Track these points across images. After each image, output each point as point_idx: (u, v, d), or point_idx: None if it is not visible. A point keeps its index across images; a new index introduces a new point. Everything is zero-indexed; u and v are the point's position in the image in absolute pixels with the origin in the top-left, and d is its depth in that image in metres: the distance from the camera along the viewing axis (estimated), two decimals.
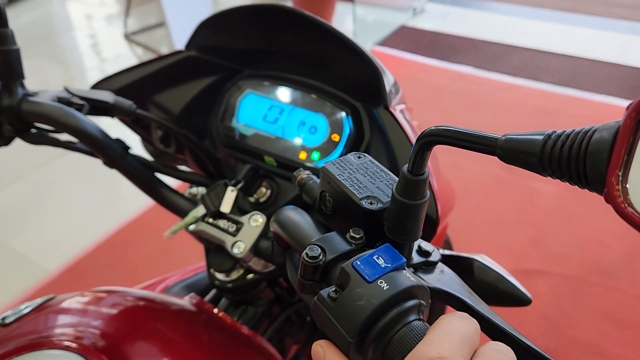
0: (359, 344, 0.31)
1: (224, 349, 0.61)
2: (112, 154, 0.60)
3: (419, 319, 0.32)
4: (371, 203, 0.37)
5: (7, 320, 0.60)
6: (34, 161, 2.54)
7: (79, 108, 0.61)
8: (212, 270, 0.65)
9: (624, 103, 2.85)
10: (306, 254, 0.36)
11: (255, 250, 0.59)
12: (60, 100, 0.62)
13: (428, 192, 0.34)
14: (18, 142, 0.65)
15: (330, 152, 0.60)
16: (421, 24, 3.84)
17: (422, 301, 0.33)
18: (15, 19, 4.11)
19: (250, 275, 0.64)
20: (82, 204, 2.37)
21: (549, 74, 3.20)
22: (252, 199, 0.64)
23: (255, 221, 0.60)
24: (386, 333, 0.31)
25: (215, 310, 0.66)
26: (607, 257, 1.95)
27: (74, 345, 0.54)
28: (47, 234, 2.19)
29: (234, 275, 0.64)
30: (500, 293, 0.57)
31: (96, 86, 0.71)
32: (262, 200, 0.64)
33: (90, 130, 0.58)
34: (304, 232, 0.40)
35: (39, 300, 0.64)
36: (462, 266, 0.57)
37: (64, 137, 0.63)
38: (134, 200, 2.27)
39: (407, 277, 0.32)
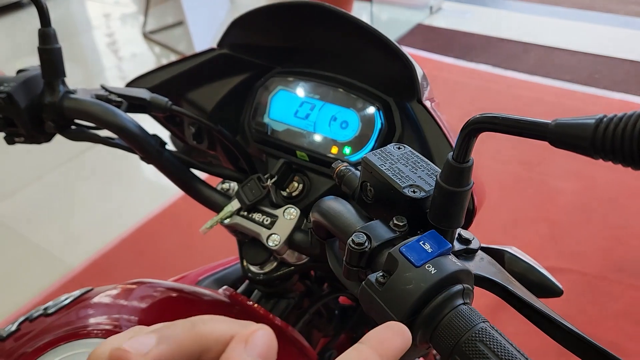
0: (407, 326, 0.33)
1: None
2: (150, 150, 0.62)
3: (465, 303, 0.33)
4: (414, 191, 0.39)
5: (50, 311, 0.62)
6: (54, 160, 2.58)
7: (118, 105, 0.63)
8: (245, 263, 0.66)
9: None
10: (352, 240, 0.37)
11: (290, 242, 0.60)
12: (99, 97, 0.64)
13: (472, 179, 0.35)
14: (23, 148, 0.67)
15: (361, 147, 0.62)
16: (438, 22, 3.84)
17: (467, 285, 0.34)
18: (36, 19, 4.17)
19: (283, 268, 0.65)
20: (103, 200, 2.40)
21: (567, 72, 3.19)
22: (284, 193, 0.66)
23: (290, 214, 0.61)
24: (434, 316, 0.32)
25: (249, 302, 0.67)
26: (627, 255, 1.94)
27: (113, 334, 0.56)
28: (69, 230, 2.23)
29: (268, 267, 0.65)
30: (531, 283, 0.58)
31: (131, 84, 0.72)
32: (294, 194, 0.65)
33: (129, 126, 0.60)
34: (348, 221, 0.42)
35: (77, 292, 0.66)
36: (494, 257, 0.58)
37: (103, 133, 0.64)
38: (154, 196, 2.30)
39: (453, 262, 0.34)
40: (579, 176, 2.26)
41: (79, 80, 3.29)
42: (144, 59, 3.50)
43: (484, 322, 0.31)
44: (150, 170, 2.67)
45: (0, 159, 2.57)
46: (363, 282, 0.35)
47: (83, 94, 0.63)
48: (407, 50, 0.56)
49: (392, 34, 3.56)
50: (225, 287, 0.69)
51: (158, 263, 1.98)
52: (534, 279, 0.58)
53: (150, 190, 2.40)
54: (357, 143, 0.62)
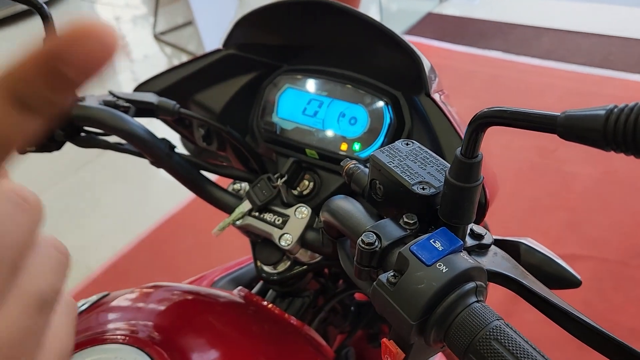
0: (420, 326, 0.32)
1: (275, 339, 0.63)
2: (159, 154, 0.62)
3: (478, 301, 0.33)
4: (423, 188, 0.38)
5: None
6: (70, 165, 2.61)
7: (126, 110, 0.63)
8: (259, 263, 0.66)
9: None
10: (362, 240, 0.37)
11: (302, 241, 0.60)
12: (107, 103, 0.64)
13: (481, 174, 0.34)
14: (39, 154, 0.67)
15: (371, 143, 0.61)
16: (447, 11, 3.80)
17: (480, 283, 0.33)
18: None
19: (297, 267, 0.65)
20: (119, 203, 2.43)
21: (581, 55, 3.13)
22: (295, 192, 0.65)
23: (301, 213, 0.61)
24: (448, 315, 0.32)
25: (264, 302, 0.67)
26: None
27: (131, 339, 0.56)
28: (88, 233, 2.25)
29: (281, 267, 0.65)
30: (548, 275, 0.57)
31: (138, 88, 0.73)
32: (305, 192, 0.65)
33: (137, 131, 0.60)
34: (357, 220, 0.41)
35: (94, 298, 0.66)
36: (509, 249, 0.57)
37: (112, 139, 0.65)
38: (168, 198, 2.31)
39: (465, 260, 0.33)
40: (596, 161, 2.23)
41: (93, 84, 3.31)
42: (156, 60, 3.52)
43: (498, 319, 0.31)
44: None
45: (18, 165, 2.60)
46: (374, 283, 0.35)
47: (91, 100, 0.64)
48: (417, 40, 0.56)
49: (402, 25, 3.54)
50: (239, 287, 0.69)
51: (175, 264, 2.00)
52: (550, 270, 0.57)
53: (168, 190, 2.41)
54: (367, 139, 0.61)
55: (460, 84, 2.86)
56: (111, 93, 0.66)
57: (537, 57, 3.16)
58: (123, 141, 0.63)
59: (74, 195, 2.49)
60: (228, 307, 0.65)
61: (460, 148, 0.33)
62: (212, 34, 3.19)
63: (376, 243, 0.36)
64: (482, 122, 0.31)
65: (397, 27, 3.41)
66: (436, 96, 0.57)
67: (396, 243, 0.37)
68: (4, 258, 0.19)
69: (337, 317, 0.80)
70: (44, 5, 0.57)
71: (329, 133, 0.64)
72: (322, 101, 0.64)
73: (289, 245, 0.60)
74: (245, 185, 0.71)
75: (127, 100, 0.65)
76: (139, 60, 3.56)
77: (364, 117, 0.62)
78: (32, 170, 2.56)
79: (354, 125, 0.63)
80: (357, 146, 0.62)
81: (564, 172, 2.22)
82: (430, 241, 0.34)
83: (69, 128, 0.62)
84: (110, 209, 2.39)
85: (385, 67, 0.63)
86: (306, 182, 0.65)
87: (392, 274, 0.34)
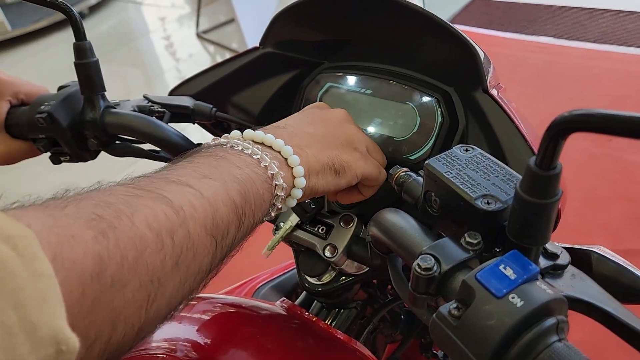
0: None
1: (320, 355, 0.59)
2: None
3: (560, 340, 0.27)
4: (488, 203, 0.33)
5: None
6: (104, 173, 2.65)
7: (161, 116, 0.61)
8: (303, 274, 0.62)
9: None
10: (418, 265, 0.32)
11: (348, 252, 0.56)
12: (141, 109, 0.61)
13: (560, 188, 0.29)
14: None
15: (421, 145, 0.56)
16: None
17: (561, 317, 0.28)
18: (95, 28, 4.31)
19: (343, 278, 0.61)
20: None
21: None
22: None
23: (346, 222, 0.57)
24: (524, 358, 0.27)
25: (308, 314, 0.63)
26: None
27: (171, 357, 0.54)
28: None
29: (326, 278, 0.61)
30: (624, 287, 0.51)
31: (173, 91, 0.70)
32: None
33: (172, 138, 0.57)
34: (412, 239, 0.36)
35: None
36: (578, 260, 0.52)
37: (147, 146, 0.62)
38: None
39: (543, 290, 0.28)
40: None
41: (141, 84, 3.37)
42: (199, 59, 3.55)
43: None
44: None
45: (52, 173, 2.66)
46: (434, 315, 0.30)
47: (125, 106, 0.61)
48: (464, 29, 0.50)
49: (446, 13, 3.42)
50: (283, 299, 0.66)
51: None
52: (626, 281, 0.51)
53: None
54: (416, 140, 0.56)
55: (510, 73, 2.74)
56: (146, 98, 0.64)
57: (592, 42, 3.00)
58: (158, 149, 0.61)
59: None
60: (270, 321, 0.61)
61: (534, 158, 0.28)
62: (254, 31, 3.18)
63: (435, 267, 0.32)
64: (563, 128, 0.26)
65: (440, 15, 3.30)
66: (494, 92, 0.51)
67: (458, 267, 0.32)
68: None
69: (386, 325, 0.75)
70: (73, 9, 0.55)
71: (375, 134, 0.59)
72: (367, 99, 0.60)
73: (333, 257, 0.55)
74: None
75: (163, 105, 0.62)
76: (184, 59, 3.59)
77: (412, 116, 0.57)
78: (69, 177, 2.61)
79: (402, 125, 0.58)
80: (405, 148, 0.57)
81: (623, 160, 2.09)
82: (500, 267, 0.29)
83: (103, 136, 0.59)
84: None
85: (435, 61, 0.58)
86: None
87: (455, 305, 0.29)
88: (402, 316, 0.77)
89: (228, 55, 3.52)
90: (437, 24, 0.51)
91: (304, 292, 0.71)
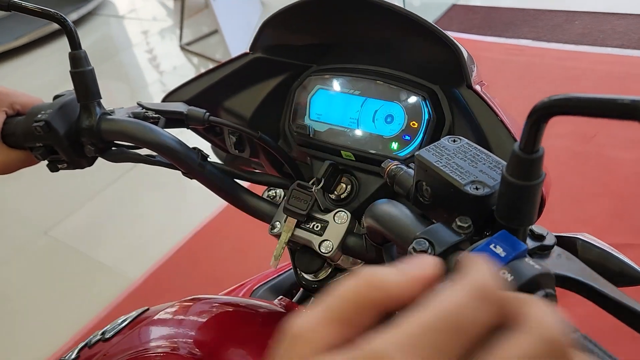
0: None
1: None
2: (192, 164, 0.60)
3: None
4: (477, 188, 0.35)
5: (107, 335, 0.61)
6: (104, 179, 2.65)
7: (155, 122, 0.62)
8: (300, 272, 0.64)
9: None
10: (413, 248, 0.34)
11: (343, 247, 0.57)
12: (136, 115, 0.63)
13: (543, 170, 0.31)
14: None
15: (410, 141, 0.58)
16: (473, 1, 3.72)
17: (549, 290, 0.30)
18: (84, 40, 4.30)
19: (339, 274, 0.62)
20: (155, 212, 2.44)
21: (616, 38, 3.02)
22: (332, 196, 0.63)
23: (341, 218, 0.58)
24: None
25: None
26: None
27: (173, 356, 0.55)
28: (127, 244, 2.28)
29: (323, 274, 0.63)
30: (609, 272, 0.53)
31: (166, 98, 0.71)
32: (343, 196, 0.62)
33: (169, 143, 0.59)
34: (406, 226, 0.38)
35: (134, 313, 0.65)
36: (564, 247, 0.54)
37: (144, 152, 0.63)
38: (203, 205, 2.32)
39: (531, 265, 0.30)
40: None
41: (125, 97, 3.37)
42: (184, 70, 3.55)
43: (575, 332, 0.28)
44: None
45: (53, 181, 2.66)
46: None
47: (120, 113, 0.62)
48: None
49: (427, 18, 3.47)
50: (280, 297, 0.67)
51: (212, 273, 1.99)
52: (612, 266, 0.53)
53: (203, 197, 2.42)
54: (405, 137, 0.58)
55: (491, 76, 2.78)
56: (139, 104, 0.65)
57: (570, 43, 3.06)
58: (154, 153, 0.62)
59: (113, 206, 2.52)
60: (270, 318, 0.63)
61: (518, 142, 0.30)
62: (238, 41, 3.20)
63: (429, 250, 0.33)
64: (544, 112, 0.28)
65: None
66: (477, 88, 0.54)
67: (451, 249, 0.34)
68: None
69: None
70: (67, 19, 0.56)
71: (365, 133, 0.61)
72: (356, 100, 0.62)
73: (329, 252, 0.57)
74: (280, 192, 0.69)
75: (156, 111, 0.63)
76: (168, 71, 3.59)
77: (400, 115, 0.59)
78: (67, 185, 2.61)
79: (391, 123, 0.60)
80: (395, 145, 0.59)
81: (606, 157, 2.13)
82: (491, 246, 0.31)
83: (100, 143, 0.60)
84: (146, 219, 2.41)
85: (420, 61, 0.60)
86: (343, 186, 0.63)
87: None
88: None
89: (212, 66, 3.52)
90: (420, 24, 0.53)
91: (301, 290, 0.72)
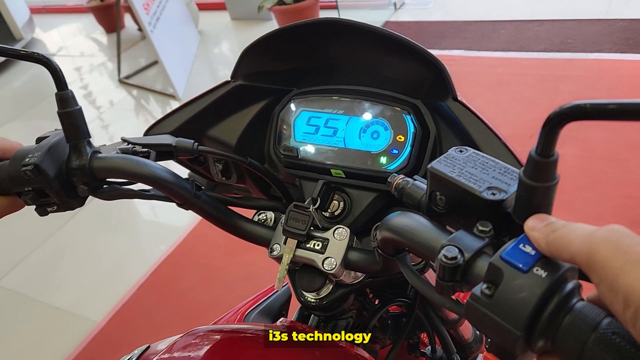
0: (527, 336, 0.31)
1: None
2: (187, 195, 0.60)
3: (580, 299, 0.32)
4: (494, 194, 0.37)
5: None
6: (50, 224, 2.55)
7: (146, 156, 0.62)
8: (301, 291, 0.65)
9: (619, 57, 2.85)
10: (444, 256, 0.36)
11: (346, 263, 0.59)
12: (125, 151, 0.62)
13: (557, 173, 0.34)
14: (24, 212, 0.64)
15: (398, 155, 0.61)
16: (404, 17, 3.87)
17: (576, 281, 0.33)
18: (8, 84, 4.13)
19: (339, 290, 0.64)
20: (109, 252, 2.37)
21: (540, 42, 3.22)
22: (326, 214, 0.65)
23: (340, 235, 0.60)
24: (554, 321, 0.31)
25: (310, 330, 0.66)
26: None
27: None
28: (83, 286, 2.20)
29: (324, 292, 0.64)
30: None
31: (149, 131, 0.71)
32: (337, 213, 0.64)
33: (164, 176, 0.58)
34: (428, 235, 0.40)
35: (136, 352, 0.64)
36: None
37: (137, 187, 0.63)
38: (160, 236, 2.27)
39: (559, 261, 0.33)
40: (575, 142, 2.28)
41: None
42: (123, 104, 3.48)
43: (607, 316, 0.30)
44: (151, 211, 2.59)
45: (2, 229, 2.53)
46: (469, 298, 0.34)
47: (107, 150, 0.62)
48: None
49: None
50: (282, 319, 0.68)
51: (182, 304, 1.95)
52: None
53: (156, 230, 2.37)
54: (393, 151, 0.61)
55: None
56: (124, 140, 0.65)
57: (499, 50, 3.23)
58: (147, 188, 0.62)
59: (64, 249, 2.43)
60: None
61: (534, 147, 0.33)
62: (179, 70, 3.17)
63: (459, 256, 0.36)
64: (558, 120, 0.31)
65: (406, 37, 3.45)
66: (463, 100, 0.57)
67: (478, 254, 0.36)
68: None
69: (376, 332, 0.79)
70: (52, 60, 0.56)
71: (353, 150, 0.63)
72: (340, 119, 0.64)
73: (333, 269, 0.58)
74: (270, 214, 0.70)
75: (144, 145, 0.63)
76: (106, 106, 3.51)
77: (386, 130, 0.62)
78: (18, 232, 2.49)
79: (377, 139, 0.62)
80: (383, 159, 0.62)
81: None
82: (520, 246, 0.33)
83: (92, 182, 0.60)
84: (102, 258, 2.34)
85: (399, 77, 0.63)
86: (336, 203, 0.65)
87: (485, 286, 0.33)
88: (389, 321, 0.81)
89: (152, 98, 3.49)
90: (400, 42, 0.56)
91: (298, 309, 0.73)
